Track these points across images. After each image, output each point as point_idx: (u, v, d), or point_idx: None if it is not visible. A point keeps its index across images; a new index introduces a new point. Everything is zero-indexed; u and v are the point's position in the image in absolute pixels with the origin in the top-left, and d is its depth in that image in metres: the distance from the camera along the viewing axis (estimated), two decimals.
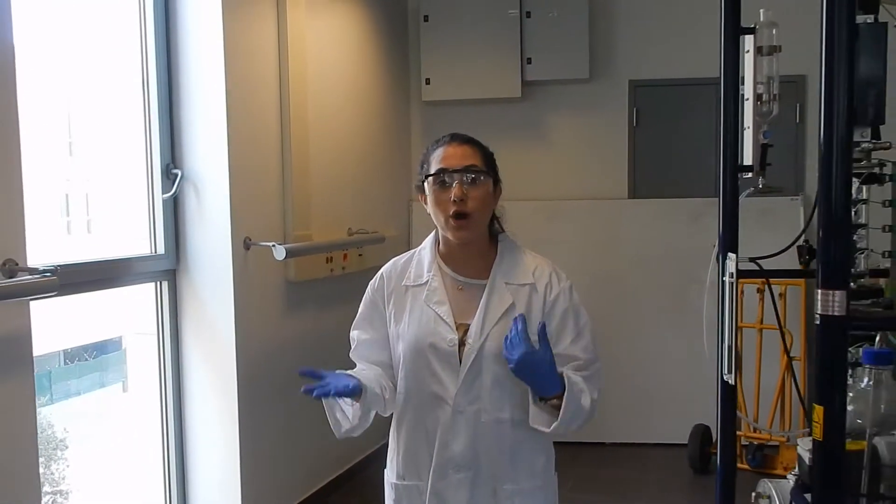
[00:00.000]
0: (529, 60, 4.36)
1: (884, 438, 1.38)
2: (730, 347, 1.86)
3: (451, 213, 1.62)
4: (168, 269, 3.09)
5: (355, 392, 1.55)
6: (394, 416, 1.74)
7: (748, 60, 1.89)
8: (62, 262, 2.31)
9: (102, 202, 3.27)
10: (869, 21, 1.22)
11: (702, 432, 4.02)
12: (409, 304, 1.68)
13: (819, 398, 1.20)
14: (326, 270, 3.62)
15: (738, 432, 3.94)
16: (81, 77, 3.02)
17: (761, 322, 3.88)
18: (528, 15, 4.34)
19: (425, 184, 1.67)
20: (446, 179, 1.63)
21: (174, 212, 3.09)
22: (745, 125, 1.92)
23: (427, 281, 1.68)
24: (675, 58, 4.35)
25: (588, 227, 4.48)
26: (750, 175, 1.92)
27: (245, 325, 3.11)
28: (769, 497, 1.70)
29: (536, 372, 1.54)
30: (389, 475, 1.76)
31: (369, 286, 1.77)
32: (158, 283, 3.10)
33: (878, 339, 1.37)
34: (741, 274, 1.91)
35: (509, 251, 1.72)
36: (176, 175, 3.04)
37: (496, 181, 1.69)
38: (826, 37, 1.15)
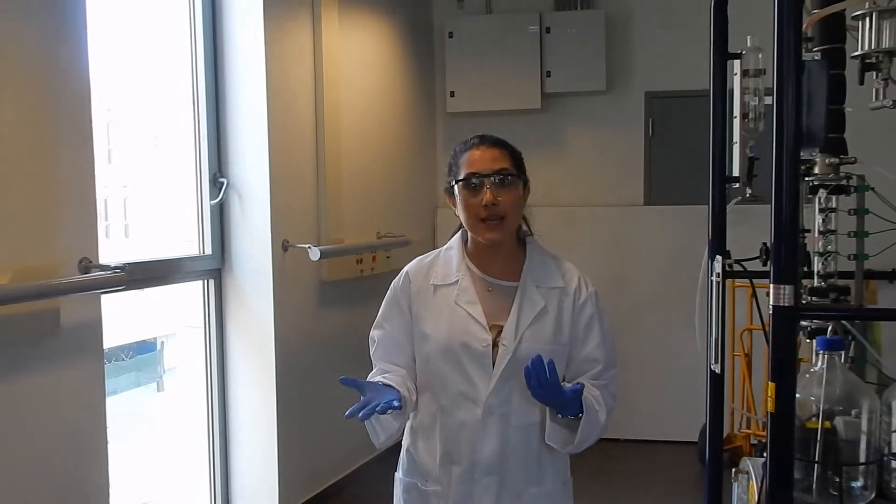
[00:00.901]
0: (549, 74, 4.58)
1: (842, 418, 1.60)
2: (716, 340, 2.09)
3: (482, 217, 1.60)
4: (214, 268, 3.40)
5: (400, 407, 1.51)
6: (412, 417, 1.71)
7: (736, 82, 2.11)
8: (128, 260, 2.61)
9: (142, 207, 3.57)
10: (816, 59, 1.44)
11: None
12: (438, 303, 1.65)
13: (773, 376, 1.42)
14: (357, 271, 3.90)
15: (746, 430, 4.12)
16: (128, 91, 3.32)
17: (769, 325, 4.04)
18: (548, 31, 4.56)
19: (455, 187, 1.64)
20: (476, 183, 1.61)
21: (220, 216, 3.39)
22: (734, 140, 2.14)
23: (457, 280, 1.66)
24: (688, 70, 4.51)
25: (605, 233, 4.69)
26: (738, 185, 2.14)
27: (283, 319, 3.39)
28: (747, 472, 1.92)
29: (561, 405, 1.55)
30: (404, 478, 1.72)
31: (393, 285, 1.74)
32: (206, 280, 3.40)
33: (830, 328, 1.58)
34: (732, 275, 2.13)
35: (538, 254, 1.71)
36: (222, 183, 3.34)
37: (525, 182, 1.68)
38: (776, 72, 1.38)
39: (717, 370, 2.09)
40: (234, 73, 3.35)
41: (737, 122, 2.10)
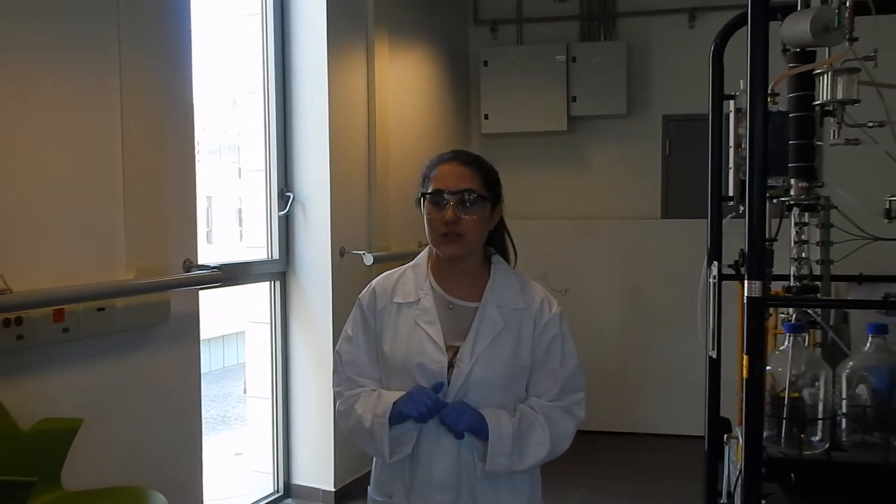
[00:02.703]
0: (574, 98, 5.02)
1: (808, 389, 2.03)
2: (713, 331, 2.52)
3: (441, 232, 1.60)
4: (280, 271, 3.90)
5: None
6: None
7: (731, 118, 2.55)
8: (219, 262, 3.11)
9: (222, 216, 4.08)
10: (781, 110, 1.88)
11: (721, 425, 4.59)
12: (400, 322, 1.64)
13: (747, 351, 1.86)
14: None
15: None
16: (212, 115, 3.84)
17: (775, 327, 4.44)
18: (574, 60, 5.02)
19: (422, 200, 1.64)
20: (440, 200, 1.60)
21: (286, 226, 3.90)
22: (729, 166, 2.58)
23: (419, 299, 1.64)
24: (701, 96, 4.93)
25: (625, 243, 5.11)
26: (732, 203, 2.58)
27: (340, 316, 3.86)
28: (737, 437, 2.34)
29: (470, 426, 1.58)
30: (373, 493, 1.73)
31: (360, 300, 1.71)
32: (272, 282, 3.90)
33: (794, 315, 2.01)
34: (727, 277, 2.57)
35: (502, 274, 1.68)
36: (289, 197, 3.85)
37: (495, 203, 1.67)
38: (749, 121, 1.82)
39: (714, 356, 2.52)
40: (300, 101, 3.86)
41: (731, 151, 2.53)
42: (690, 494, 4.22)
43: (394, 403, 1.57)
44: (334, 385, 1.71)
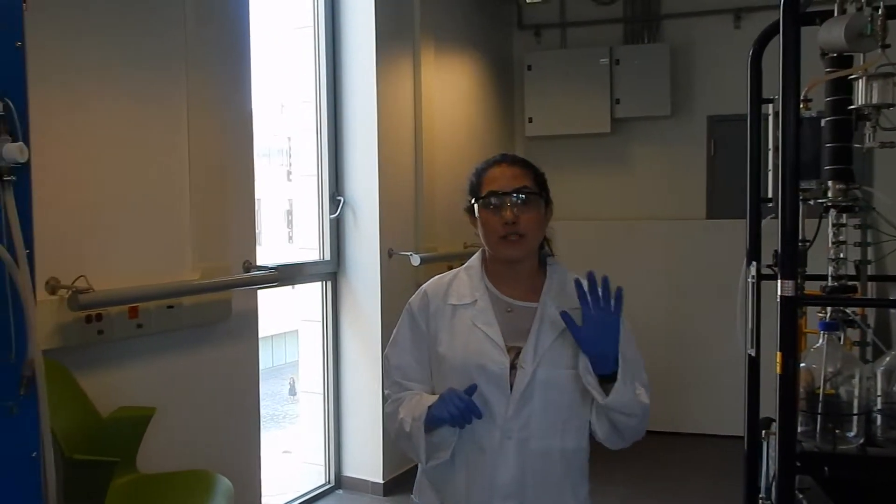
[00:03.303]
0: (618, 101, 5.08)
1: (843, 386, 2.08)
2: (751, 329, 2.58)
3: (501, 234, 1.56)
4: (332, 271, 4.07)
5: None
6: None
7: (770, 121, 2.60)
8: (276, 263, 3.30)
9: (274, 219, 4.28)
10: (812, 116, 1.94)
11: (764, 425, 4.58)
12: (456, 323, 1.60)
13: (780, 348, 1.92)
14: None
15: None
16: (267, 124, 4.03)
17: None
18: (617, 62, 5.08)
19: (475, 206, 1.60)
20: (496, 202, 1.57)
21: (337, 228, 4.07)
22: (768, 168, 2.63)
23: (475, 301, 1.60)
24: (745, 96, 4.95)
25: (670, 244, 5.14)
26: (771, 205, 2.62)
27: (388, 314, 4.01)
28: (775, 433, 2.39)
29: (604, 334, 1.53)
30: (417, 499, 1.67)
31: (410, 304, 1.67)
32: (324, 282, 4.08)
33: (829, 313, 2.06)
34: (766, 277, 2.62)
35: (559, 275, 1.66)
36: (339, 201, 4.02)
37: (547, 202, 1.64)
38: (781, 126, 1.89)
39: (753, 354, 2.57)
40: (350, 108, 4.03)
41: (770, 154, 2.58)
42: (731, 492, 4.23)
43: (428, 407, 1.53)
44: (384, 388, 1.71)
